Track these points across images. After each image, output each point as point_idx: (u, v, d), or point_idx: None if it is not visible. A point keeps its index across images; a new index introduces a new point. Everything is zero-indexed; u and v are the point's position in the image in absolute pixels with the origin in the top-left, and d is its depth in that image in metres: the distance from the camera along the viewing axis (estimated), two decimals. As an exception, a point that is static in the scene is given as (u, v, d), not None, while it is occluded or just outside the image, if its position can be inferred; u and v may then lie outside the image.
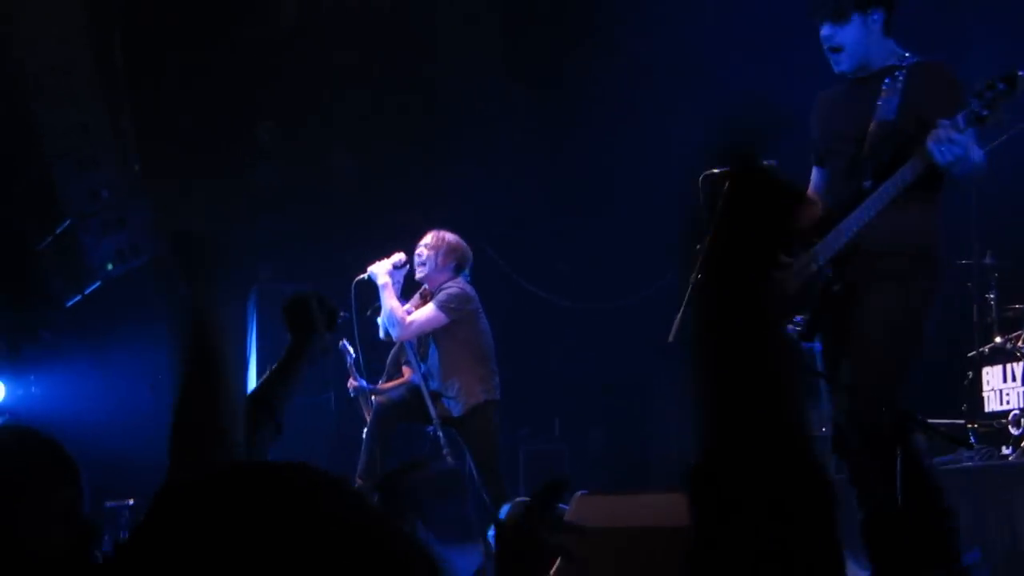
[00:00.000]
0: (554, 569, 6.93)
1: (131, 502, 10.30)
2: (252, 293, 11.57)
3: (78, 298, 11.82)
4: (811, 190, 6.17)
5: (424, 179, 11.91)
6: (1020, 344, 8.17)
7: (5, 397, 11.41)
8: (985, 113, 5.41)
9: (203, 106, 11.66)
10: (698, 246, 6.41)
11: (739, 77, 9.84)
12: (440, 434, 8.45)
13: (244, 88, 11.98)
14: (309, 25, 12.07)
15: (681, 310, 6.52)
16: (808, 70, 6.38)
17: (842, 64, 5.92)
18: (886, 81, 5.85)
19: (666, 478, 10.93)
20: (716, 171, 6.54)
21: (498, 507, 8.00)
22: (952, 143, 5.46)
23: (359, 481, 8.23)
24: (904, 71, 5.85)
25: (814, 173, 6.18)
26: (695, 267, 6.28)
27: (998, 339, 8.36)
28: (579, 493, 7.28)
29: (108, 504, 10.31)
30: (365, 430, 8.75)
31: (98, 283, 11.71)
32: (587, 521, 6.78)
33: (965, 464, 7.96)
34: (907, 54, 5.96)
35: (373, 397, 9.03)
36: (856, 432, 5.64)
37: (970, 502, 7.54)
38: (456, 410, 8.44)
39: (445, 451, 8.46)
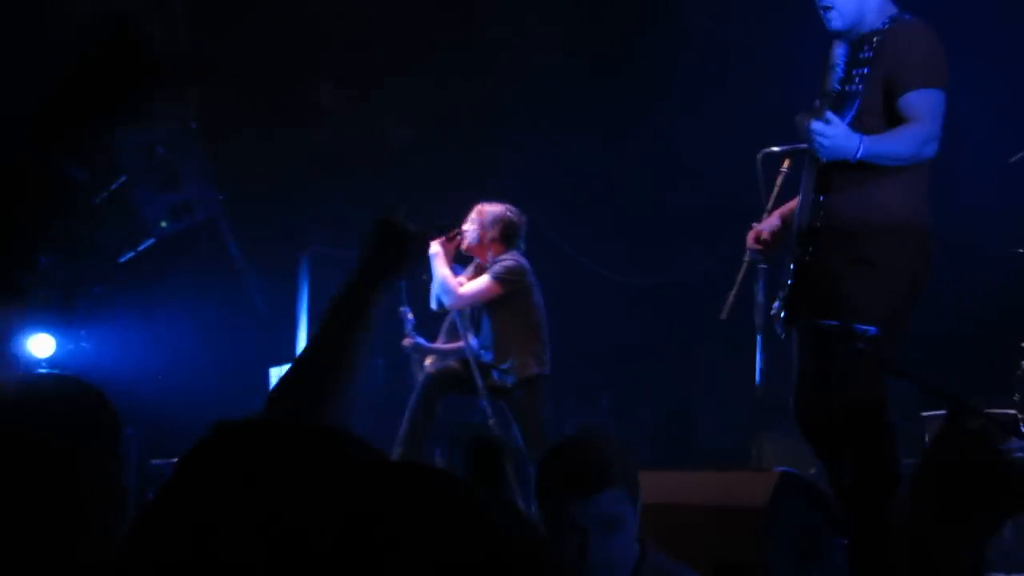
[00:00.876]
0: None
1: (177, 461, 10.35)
2: (303, 258, 11.62)
3: (131, 254, 11.86)
4: None
5: (481, 151, 11.96)
6: None
7: (56, 351, 11.43)
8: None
9: (263, 64, 11.68)
10: (753, 224, 6.43)
11: (807, 60, 9.85)
12: (486, 406, 8.45)
13: (305, 48, 12.01)
14: None
15: (734, 288, 6.52)
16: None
17: (834, 22, 5.86)
18: (865, 47, 5.81)
19: (712, 456, 10.95)
20: (775, 149, 6.55)
21: None
22: (823, 136, 5.56)
23: (398, 448, 8.26)
24: (883, 35, 5.80)
25: None
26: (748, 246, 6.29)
27: None
28: None
29: (153, 462, 10.36)
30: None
31: (151, 240, 11.76)
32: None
33: (1017, 454, 7.93)
34: (902, 15, 5.89)
35: (427, 360, 9.05)
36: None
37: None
38: (508, 382, 8.44)
39: (491, 422, 8.47)
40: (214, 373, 10.51)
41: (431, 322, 9.36)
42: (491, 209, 8.76)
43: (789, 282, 5.82)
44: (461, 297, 8.51)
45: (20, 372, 9.83)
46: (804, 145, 5.86)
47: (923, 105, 5.67)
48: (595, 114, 11.86)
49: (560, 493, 3.53)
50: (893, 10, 5.89)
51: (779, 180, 6.64)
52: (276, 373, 11.00)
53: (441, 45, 12.09)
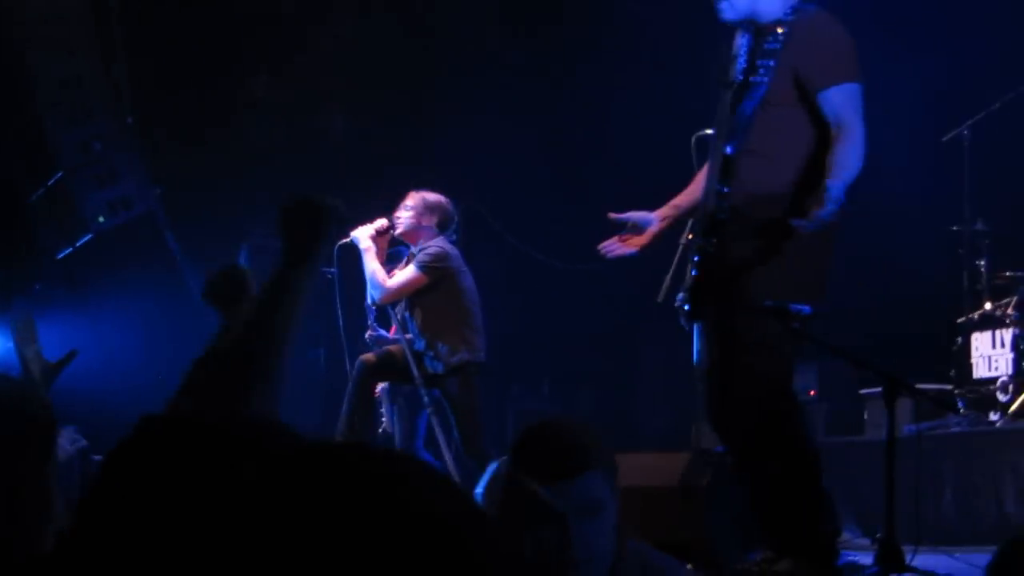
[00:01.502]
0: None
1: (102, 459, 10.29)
2: (243, 249, 11.59)
3: (69, 250, 11.80)
4: None
5: (418, 139, 11.99)
6: (1009, 311, 8.24)
7: None
8: None
9: (197, 57, 11.68)
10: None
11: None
12: (423, 393, 8.50)
13: (238, 41, 12.00)
14: None
15: (670, 272, 6.55)
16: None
17: (725, 13, 5.85)
18: (769, 38, 5.73)
19: (653, 440, 11.03)
20: (709, 132, 6.58)
21: (482, 467, 8.10)
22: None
23: (340, 434, 8.32)
24: (788, 27, 5.73)
25: None
26: (686, 229, 6.32)
27: (988, 306, 8.43)
28: None
29: (95, 458, 10.32)
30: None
31: (90, 235, 11.72)
32: None
33: (953, 430, 8.05)
34: (805, 5, 5.87)
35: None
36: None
37: (957, 467, 7.62)
38: (438, 368, 8.49)
39: (428, 411, 8.53)
40: (156, 367, 10.48)
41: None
42: (430, 196, 8.80)
43: (694, 273, 5.79)
44: (389, 290, 8.56)
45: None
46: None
47: (847, 103, 5.71)
48: (533, 101, 11.88)
49: (536, 478, 3.25)
50: (794, 0, 5.87)
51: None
52: None
53: (375, 35, 12.10)
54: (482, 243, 10.56)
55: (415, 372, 8.41)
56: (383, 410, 9.15)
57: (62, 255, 11.85)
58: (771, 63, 5.64)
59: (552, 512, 3.21)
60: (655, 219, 6.21)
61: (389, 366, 8.70)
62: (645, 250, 6.23)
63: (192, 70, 11.74)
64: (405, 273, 8.63)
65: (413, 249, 8.82)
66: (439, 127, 11.95)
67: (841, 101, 5.70)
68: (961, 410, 8.05)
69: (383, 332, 9.15)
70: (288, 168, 11.95)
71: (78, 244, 11.77)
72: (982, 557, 4.12)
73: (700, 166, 6.32)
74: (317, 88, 12.39)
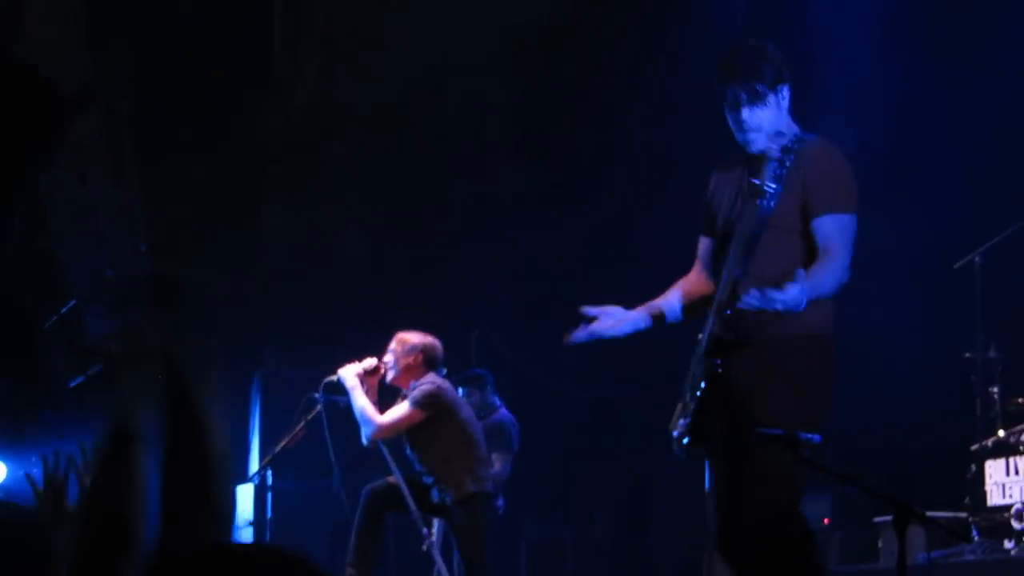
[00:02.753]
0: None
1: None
2: (255, 377, 11.65)
3: (81, 379, 11.76)
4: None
5: (430, 267, 12.09)
6: (1023, 438, 8.27)
7: (6, 477, 11.45)
8: None
9: (212, 186, 11.77)
10: (699, 334, 6.53)
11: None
12: (422, 526, 8.56)
13: (253, 169, 12.13)
14: (320, 107, 12.25)
15: (681, 401, 6.58)
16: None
17: (756, 144, 5.90)
18: (774, 165, 5.84)
19: (668, 569, 11.00)
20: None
21: None
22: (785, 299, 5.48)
23: (349, 570, 8.35)
24: (794, 154, 5.83)
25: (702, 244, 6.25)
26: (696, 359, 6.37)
27: (1001, 432, 8.42)
28: None
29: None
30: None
31: (101, 365, 11.59)
32: None
33: (967, 558, 8.04)
34: (805, 135, 5.97)
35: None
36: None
37: None
38: (448, 500, 8.52)
39: (429, 541, 8.58)
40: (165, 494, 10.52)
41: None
42: (410, 338, 8.90)
43: (698, 395, 5.76)
44: (380, 427, 8.59)
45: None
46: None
47: (838, 232, 5.75)
48: (543, 228, 11.96)
49: None
50: (796, 128, 5.97)
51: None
52: (240, 491, 11.00)
53: (388, 164, 12.22)
54: (494, 369, 10.62)
55: (412, 506, 8.45)
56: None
57: (74, 383, 11.81)
58: (779, 188, 5.73)
59: None
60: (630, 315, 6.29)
61: (392, 496, 8.73)
62: (615, 333, 6.25)
63: (204, 200, 11.81)
64: (398, 409, 8.69)
65: (405, 392, 8.89)
66: (450, 253, 12.08)
67: (833, 229, 5.74)
68: (975, 538, 8.05)
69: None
70: (303, 293, 12.06)
71: (90, 372, 11.69)
72: None
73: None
74: (331, 216, 12.47)
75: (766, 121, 5.89)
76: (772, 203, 5.77)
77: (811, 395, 5.72)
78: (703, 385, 5.75)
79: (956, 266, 9.03)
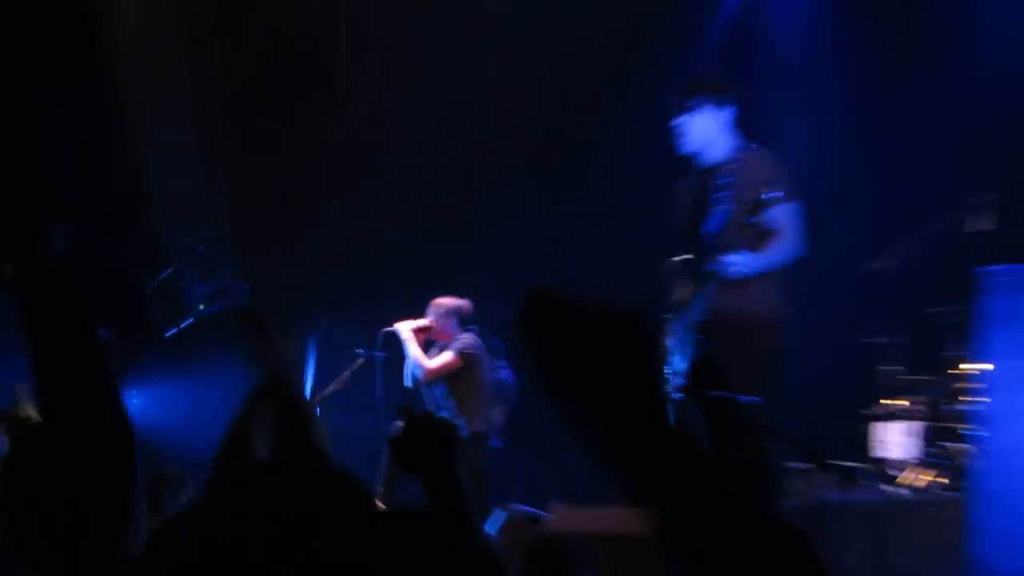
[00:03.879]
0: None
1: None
2: (312, 334, 11.66)
3: (174, 331, 12.12)
4: None
5: (453, 253, 12.08)
6: (908, 405, 8.48)
7: None
8: None
9: (283, 180, 11.91)
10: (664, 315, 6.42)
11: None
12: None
13: (316, 167, 12.24)
14: (372, 119, 12.27)
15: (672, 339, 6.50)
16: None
17: (685, 147, 6.17)
18: (726, 172, 6.03)
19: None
20: (678, 259, 6.53)
21: (484, 518, 8.37)
22: (735, 263, 5.93)
23: (379, 489, 8.55)
24: (739, 162, 6.03)
25: None
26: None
27: (888, 401, 8.61)
28: (558, 504, 7.53)
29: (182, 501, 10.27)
30: None
31: (191, 320, 12.03)
32: (565, 528, 6.77)
33: (858, 497, 8.10)
34: (750, 144, 6.15)
35: None
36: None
37: (861, 531, 7.71)
38: (464, 433, 8.74)
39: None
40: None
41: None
42: (445, 302, 9.11)
43: (692, 360, 5.98)
44: (428, 370, 8.81)
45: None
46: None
47: (786, 218, 5.93)
48: (545, 225, 11.99)
49: None
50: (742, 141, 6.15)
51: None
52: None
53: (423, 168, 12.22)
54: (501, 338, 10.60)
55: None
56: None
57: (169, 334, 12.14)
58: (730, 193, 5.93)
59: None
60: None
61: None
62: None
63: (276, 192, 11.92)
64: (442, 357, 8.87)
65: (442, 344, 9.09)
66: (471, 240, 12.08)
67: (782, 215, 5.94)
68: (864, 482, 8.16)
69: None
70: (351, 271, 12.16)
71: (182, 326, 12.09)
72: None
73: (669, 287, 6.47)
74: (378, 206, 12.49)
75: (695, 131, 6.12)
76: (728, 205, 5.94)
77: (760, 366, 5.99)
78: (690, 353, 6.00)
79: (863, 269, 9.20)
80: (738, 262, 5.90)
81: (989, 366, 5.81)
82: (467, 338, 9.04)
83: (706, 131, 6.16)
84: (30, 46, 10.33)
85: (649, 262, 6.82)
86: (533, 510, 8.24)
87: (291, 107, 11.70)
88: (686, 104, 6.18)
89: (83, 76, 10.86)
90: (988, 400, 5.63)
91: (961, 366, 8.12)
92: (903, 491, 8.00)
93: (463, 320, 9.17)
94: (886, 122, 10.28)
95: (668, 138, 6.28)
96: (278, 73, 11.57)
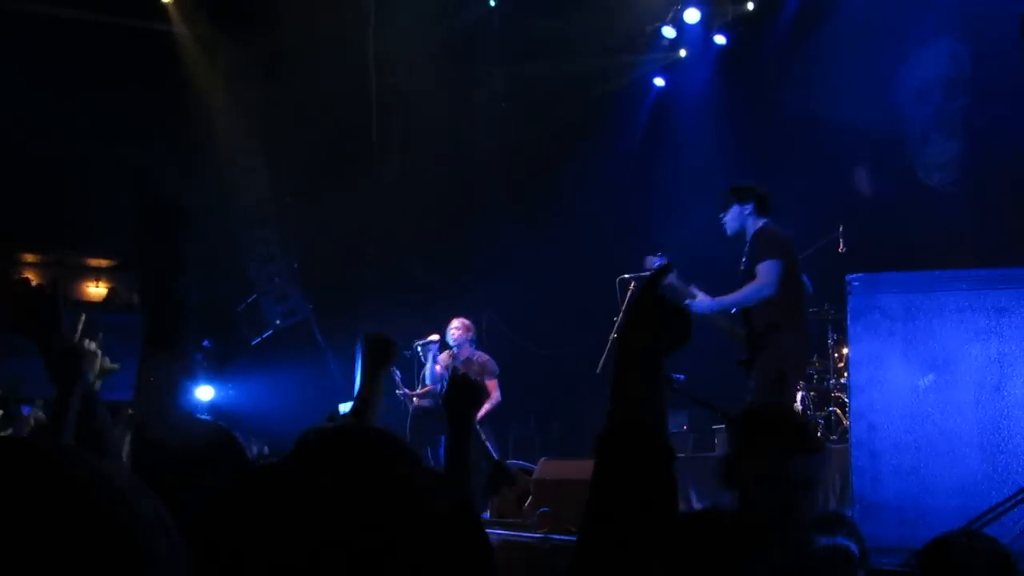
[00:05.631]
0: (526, 504, 6.88)
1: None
2: (358, 344, 11.55)
3: (258, 340, 12.02)
4: None
5: (458, 274, 11.86)
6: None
7: (214, 396, 11.37)
8: None
9: (335, 232, 11.52)
10: (614, 319, 6.48)
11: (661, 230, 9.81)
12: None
13: (359, 221, 11.96)
14: (403, 175, 12.04)
15: (605, 352, 6.71)
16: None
17: (728, 232, 6.40)
18: (749, 245, 6.26)
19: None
20: (627, 276, 6.71)
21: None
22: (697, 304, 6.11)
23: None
24: (756, 236, 6.23)
25: None
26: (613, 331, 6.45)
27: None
28: (542, 459, 7.48)
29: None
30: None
31: (270, 331, 11.95)
32: (549, 477, 6.88)
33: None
34: (768, 223, 6.30)
35: (414, 400, 9.07)
36: None
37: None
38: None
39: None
40: (305, 410, 10.22)
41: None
42: (466, 322, 8.93)
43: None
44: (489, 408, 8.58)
45: (183, 415, 9.56)
46: (644, 273, 6.32)
47: (765, 270, 6.07)
48: (529, 250, 11.41)
49: (787, 448, 2.37)
50: (761, 221, 6.31)
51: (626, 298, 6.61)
52: (343, 407, 10.81)
53: (436, 214, 11.84)
54: (496, 340, 10.56)
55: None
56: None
57: (255, 342, 12.06)
58: (752, 254, 6.19)
59: (792, 480, 2.37)
60: None
61: (430, 411, 8.74)
62: None
63: (330, 242, 11.60)
64: (492, 386, 8.65)
65: (452, 349, 8.87)
66: (471, 264, 11.78)
67: (763, 268, 6.09)
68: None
69: (406, 391, 9.11)
70: (386, 296, 11.79)
71: (264, 336, 11.99)
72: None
73: (621, 300, 6.50)
74: (404, 246, 12.13)
75: (729, 219, 6.36)
76: (745, 265, 6.18)
77: (782, 359, 6.09)
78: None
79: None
80: (698, 304, 6.13)
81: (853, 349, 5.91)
82: (483, 356, 8.86)
83: (737, 220, 6.38)
84: (155, 136, 10.25)
85: (602, 277, 6.88)
86: (523, 463, 8.23)
87: (339, 175, 11.43)
88: (722, 206, 6.44)
89: (194, 158, 10.82)
90: (854, 374, 5.73)
91: (843, 350, 8.10)
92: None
93: (472, 336, 8.97)
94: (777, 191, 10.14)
95: (602, 193, 6.25)
96: (330, 150, 11.27)
